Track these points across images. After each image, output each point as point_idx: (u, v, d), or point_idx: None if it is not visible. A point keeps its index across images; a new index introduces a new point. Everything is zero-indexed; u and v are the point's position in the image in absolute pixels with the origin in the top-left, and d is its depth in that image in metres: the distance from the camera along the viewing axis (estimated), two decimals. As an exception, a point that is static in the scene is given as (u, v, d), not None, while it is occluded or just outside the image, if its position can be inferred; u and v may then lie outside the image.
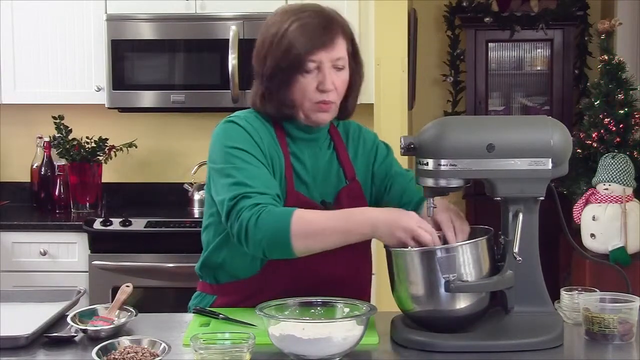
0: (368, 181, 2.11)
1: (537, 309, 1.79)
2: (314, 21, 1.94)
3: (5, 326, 1.84)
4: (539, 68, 5.30)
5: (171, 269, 3.52)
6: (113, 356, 1.63)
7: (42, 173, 3.98)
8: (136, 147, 3.98)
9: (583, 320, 1.81)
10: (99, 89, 3.78)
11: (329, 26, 1.95)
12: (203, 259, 2.09)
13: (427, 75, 5.33)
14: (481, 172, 1.75)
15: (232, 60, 3.62)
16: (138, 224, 3.57)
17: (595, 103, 3.90)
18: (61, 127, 3.89)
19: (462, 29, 5.26)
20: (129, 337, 1.72)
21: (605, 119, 3.82)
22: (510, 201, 1.78)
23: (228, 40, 3.64)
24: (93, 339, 1.80)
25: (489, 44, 5.25)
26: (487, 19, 5.12)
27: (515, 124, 1.84)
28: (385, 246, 1.82)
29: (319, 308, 1.79)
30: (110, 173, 4.06)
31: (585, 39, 5.17)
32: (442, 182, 1.77)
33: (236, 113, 2.05)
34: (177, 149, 4.13)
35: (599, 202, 3.65)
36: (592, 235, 3.64)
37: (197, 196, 3.92)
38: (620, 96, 3.84)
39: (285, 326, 1.66)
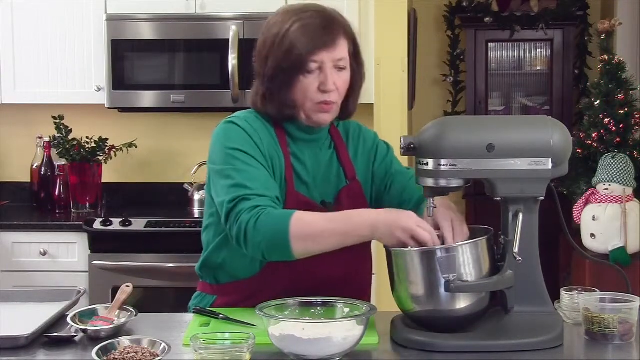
0: (368, 180, 2.11)
1: (537, 309, 1.79)
2: (316, 21, 1.94)
3: (5, 326, 1.84)
4: (539, 68, 5.30)
5: (171, 269, 3.52)
6: (113, 356, 1.63)
7: (42, 173, 3.98)
8: (136, 147, 3.98)
9: (583, 320, 1.81)
10: (99, 89, 3.78)
11: (330, 26, 1.95)
12: (203, 259, 2.10)
13: (427, 75, 5.33)
14: (481, 172, 1.75)
15: (232, 60, 3.62)
16: (138, 224, 3.57)
17: (595, 103, 3.90)
18: (61, 127, 3.89)
19: (462, 29, 5.26)
20: (129, 337, 1.72)
21: (605, 119, 3.82)
22: (510, 201, 1.78)
23: (228, 40, 3.64)
24: (93, 339, 1.80)
25: (489, 44, 5.25)
26: (487, 19, 5.12)
27: (515, 124, 1.84)
28: (385, 246, 1.82)
29: (319, 308, 1.79)
30: (110, 173, 4.06)
31: (585, 39, 5.17)
32: (442, 182, 1.77)
33: (236, 113, 2.05)
34: (177, 149, 4.13)
35: (599, 202, 3.65)
36: (592, 235, 3.64)
37: (197, 196, 3.92)
38: (620, 96, 3.84)
39: (285, 326, 1.66)
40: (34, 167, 4.00)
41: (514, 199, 1.78)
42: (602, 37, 3.97)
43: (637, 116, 3.85)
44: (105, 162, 3.96)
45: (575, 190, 3.86)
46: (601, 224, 3.61)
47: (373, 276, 2.16)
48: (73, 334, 1.82)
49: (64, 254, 3.60)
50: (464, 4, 5.17)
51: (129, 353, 1.63)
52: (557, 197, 1.84)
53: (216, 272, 2.07)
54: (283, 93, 1.97)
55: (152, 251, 3.55)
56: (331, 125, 2.09)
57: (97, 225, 3.56)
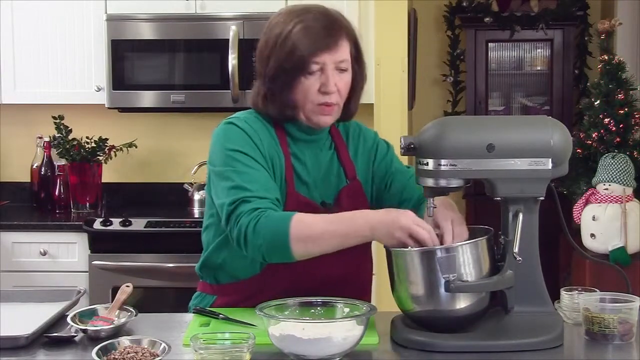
0: (369, 179, 2.11)
1: (537, 309, 1.79)
2: (318, 23, 1.94)
3: (5, 326, 1.84)
4: (539, 68, 5.30)
5: (171, 269, 3.52)
6: (113, 356, 1.63)
7: (42, 173, 3.98)
8: (136, 147, 3.98)
9: (583, 320, 1.81)
10: (99, 89, 3.78)
11: (332, 28, 1.95)
12: (203, 259, 2.09)
13: (427, 75, 5.33)
14: (481, 172, 1.75)
15: (232, 60, 3.62)
16: (138, 224, 3.57)
17: (595, 103, 3.91)
18: (61, 127, 3.89)
19: (462, 29, 5.26)
20: (129, 337, 1.72)
21: (605, 119, 3.82)
22: (510, 201, 1.78)
23: (228, 40, 3.64)
24: (93, 339, 1.80)
25: (489, 44, 5.25)
26: (487, 19, 5.12)
27: (515, 124, 1.84)
28: (385, 246, 1.82)
29: (319, 308, 1.79)
30: (110, 173, 4.06)
31: (585, 39, 5.17)
32: (442, 182, 1.77)
33: (236, 114, 2.05)
34: (177, 149, 4.13)
35: (599, 202, 3.65)
36: (592, 235, 3.64)
37: (197, 196, 3.92)
38: (620, 96, 3.84)
39: (285, 326, 1.66)
40: (34, 167, 4.00)
41: (514, 199, 1.77)
42: (602, 37, 3.97)
43: (637, 116, 3.85)
44: (105, 162, 3.96)
45: (575, 190, 3.86)
46: (601, 224, 3.61)
47: (373, 276, 2.16)
48: (73, 334, 1.82)
49: (64, 254, 3.60)
50: (464, 4, 5.17)
51: (129, 353, 1.63)
52: (557, 197, 1.84)
53: (216, 272, 2.07)
54: (284, 94, 1.97)
55: (152, 251, 3.54)
56: (331, 125, 2.08)
57: (97, 225, 3.56)
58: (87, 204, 3.91)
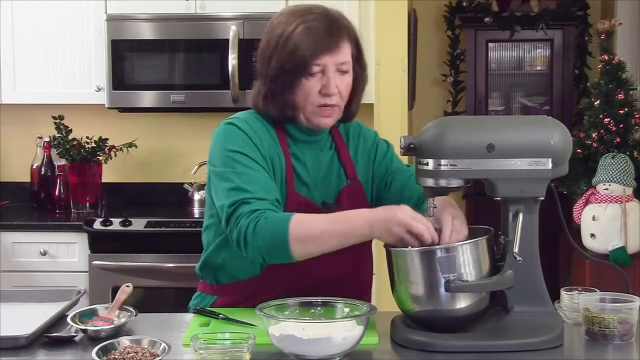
0: (369, 179, 2.11)
1: (537, 309, 1.79)
2: (320, 24, 1.93)
3: (5, 326, 1.84)
4: (539, 68, 5.30)
5: (171, 269, 3.52)
6: (113, 356, 1.63)
7: (42, 173, 3.98)
8: (136, 147, 3.98)
9: (583, 320, 1.81)
10: (99, 89, 3.78)
11: (334, 30, 1.95)
12: (203, 260, 2.09)
13: (427, 75, 5.33)
14: (481, 172, 1.75)
15: (232, 60, 3.62)
16: (138, 224, 3.57)
17: (595, 103, 3.90)
18: (61, 127, 3.89)
19: (462, 29, 5.26)
20: (129, 337, 1.72)
21: (605, 119, 3.82)
22: (510, 201, 1.78)
23: (228, 40, 3.64)
24: (93, 339, 1.80)
25: (489, 44, 5.25)
26: (487, 19, 5.12)
27: (515, 124, 1.84)
28: (385, 246, 1.82)
29: (319, 308, 1.79)
30: (110, 173, 4.06)
31: (585, 39, 5.17)
32: (442, 182, 1.77)
33: (236, 114, 2.05)
34: (177, 149, 4.13)
35: (599, 202, 3.65)
36: (592, 235, 3.64)
37: (197, 196, 3.92)
38: (620, 96, 3.84)
39: (285, 326, 1.66)
40: (34, 167, 4.00)
41: (514, 199, 1.77)
42: (602, 37, 3.97)
43: (637, 116, 3.85)
44: (105, 162, 3.96)
45: (575, 190, 3.86)
46: (601, 224, 3.61)
47: (373, 276, 2.16)
48: (73, 334, 1.82)
49: (64, 254, 3.60)
50: (464, 4, 5.17)
51: (129, 353, 1.63)
52: (557, 197, 1.84)
53: (216, 272, 2.07)
54: (285, 94, 1.96)
55: (152, 251, 3.54)
56: (332, 126, 2.08)
57: (97, 225, 3.56)
58: (87, 204, 3.91)
